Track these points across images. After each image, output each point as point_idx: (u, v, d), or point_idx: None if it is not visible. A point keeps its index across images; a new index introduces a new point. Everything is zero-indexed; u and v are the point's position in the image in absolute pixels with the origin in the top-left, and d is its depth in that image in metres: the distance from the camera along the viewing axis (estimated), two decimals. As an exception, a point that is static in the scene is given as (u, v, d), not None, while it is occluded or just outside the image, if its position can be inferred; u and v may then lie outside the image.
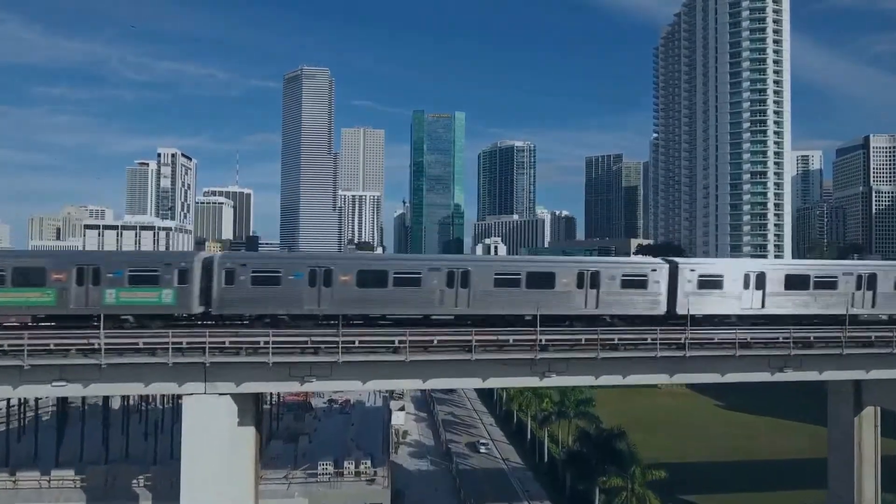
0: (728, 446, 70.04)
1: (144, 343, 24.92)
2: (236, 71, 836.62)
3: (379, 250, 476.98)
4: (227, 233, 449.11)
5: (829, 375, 30.59)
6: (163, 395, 47.96)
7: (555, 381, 28.32)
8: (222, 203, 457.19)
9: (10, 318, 28.02)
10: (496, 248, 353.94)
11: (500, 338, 27.47)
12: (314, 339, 26.01)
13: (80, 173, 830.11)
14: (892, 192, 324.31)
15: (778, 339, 29.12)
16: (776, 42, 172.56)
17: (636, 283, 31.12)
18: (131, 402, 48.34)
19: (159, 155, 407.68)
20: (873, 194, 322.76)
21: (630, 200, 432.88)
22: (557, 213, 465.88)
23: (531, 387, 55.91)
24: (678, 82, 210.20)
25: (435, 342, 26.89)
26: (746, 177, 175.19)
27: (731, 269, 32.53)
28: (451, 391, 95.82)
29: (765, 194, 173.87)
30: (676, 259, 32.86)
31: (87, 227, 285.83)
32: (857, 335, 30.08)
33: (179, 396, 26.82)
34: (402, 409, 75.64)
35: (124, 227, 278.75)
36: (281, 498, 36.31)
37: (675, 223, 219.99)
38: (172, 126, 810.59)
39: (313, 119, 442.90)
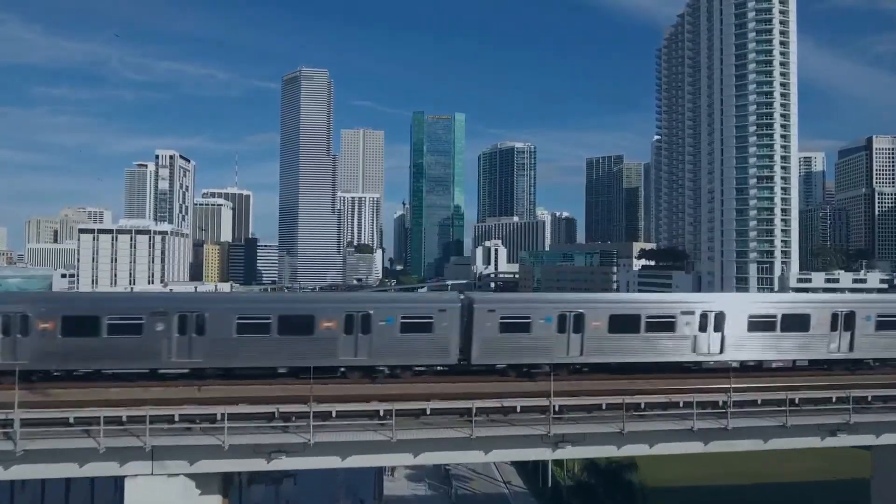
0: (735, 472, 66.09)
1: (75, 419, 20.58)
2: (236, 71, 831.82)
3: (378, 252, 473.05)
4: (227, 235, 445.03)
5: (889, 439, 25.98)
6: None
7: (569, 452, 23.91)
8: (221, 205, 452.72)
9: None
10: (496, 251, 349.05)
11: (506, 404, 23.10)
12: (281, 409, 21.65)
13: (79, 174, 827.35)
14: (895, 194, 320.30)
15: (832, 398, 24.76)
16: (783, 44, 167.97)
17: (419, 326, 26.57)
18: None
19: (157, 157, 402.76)
20: (876, 196, 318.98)
21: (631, 202, 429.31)
22: (558, 214, 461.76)
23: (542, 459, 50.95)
24: (681, 83, 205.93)
25: (428, 411, 22.53)
26: (753, 181, 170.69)
27: (539, 310, 27.83)
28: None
29: (771, 199, 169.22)
30: (473, 295, 28.15)
31: (82, 231, 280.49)
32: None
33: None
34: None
35: (119, 231, 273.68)
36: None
37: (678, 227, 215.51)
38: (172, 126, 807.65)
39: (312, 121, 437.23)
